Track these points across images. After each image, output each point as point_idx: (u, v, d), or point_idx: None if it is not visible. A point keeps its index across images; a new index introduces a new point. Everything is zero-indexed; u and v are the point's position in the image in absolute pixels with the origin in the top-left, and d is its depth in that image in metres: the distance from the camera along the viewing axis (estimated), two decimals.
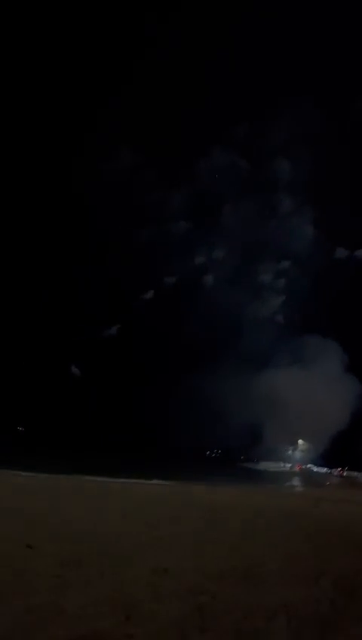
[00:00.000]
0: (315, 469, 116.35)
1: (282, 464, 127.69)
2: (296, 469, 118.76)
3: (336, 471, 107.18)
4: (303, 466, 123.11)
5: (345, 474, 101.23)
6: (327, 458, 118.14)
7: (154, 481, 26.43)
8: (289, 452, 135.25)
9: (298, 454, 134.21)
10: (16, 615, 4.19)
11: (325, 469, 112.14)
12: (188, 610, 4.71)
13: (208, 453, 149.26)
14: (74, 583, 5.22)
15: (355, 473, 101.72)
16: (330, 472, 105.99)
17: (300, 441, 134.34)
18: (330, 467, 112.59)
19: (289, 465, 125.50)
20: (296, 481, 62.81)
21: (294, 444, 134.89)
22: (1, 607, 4.36)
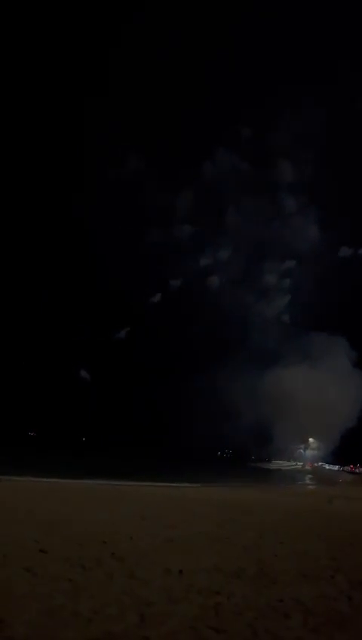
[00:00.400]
0: (327, 466, 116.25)
1: (294, 463, 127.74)
2: (308, 467, 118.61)
3: (348, 468, 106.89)
4: (315, 464, 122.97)
5: (357, 471, 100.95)
6: (339, 455, 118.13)
7: (167, 484, 26.41)
8: (301, 451, 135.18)
9: (309, 453, 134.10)
10: (34, 618, 4.19)
11: (337, 467, 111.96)
12: (203, 611, 4.67)
13: (219, 453, 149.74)
14: (87, 586, 5.21)
15: None
16: (342, 470, 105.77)
17: (311, 440, 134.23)
18: (342, 464, 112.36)
19: (301, 463, 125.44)
20: (308, 480, 62.61)
21: (305, 442, 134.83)
22: (20, 610, 4.36)
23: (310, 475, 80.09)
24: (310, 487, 45.11)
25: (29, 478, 23.02)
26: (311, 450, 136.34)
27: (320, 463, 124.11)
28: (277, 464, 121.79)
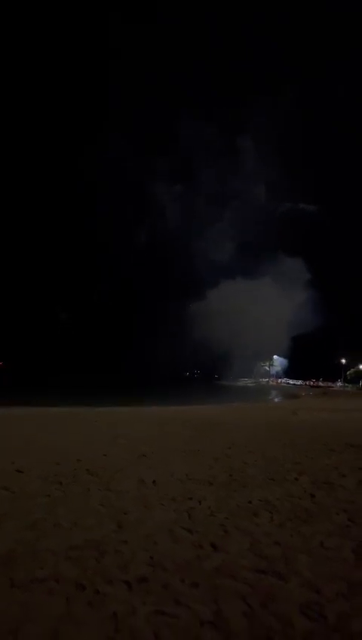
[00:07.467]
0: (291, 381, 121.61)
1: (259, 380, 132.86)
2: (272, 383, 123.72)
3: (310, 382, 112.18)
4: (279, 380, 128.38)
5: (318, 384, 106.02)
6: (300, 370, 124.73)
7: (139, 405, 27.10)
8: (266, 368, 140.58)
9: (273, 369, 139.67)
10: (16, 532, 4.36)
11: (299, 382, 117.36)
12: (177, 515, 4.95)
13: (188, 374, 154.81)
14: (65, 500, 5.40)
15: (327, 383, 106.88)
16: (305, 384, 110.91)
17: (275, 357, 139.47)
18: (304, 379, 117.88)
19: (266, 380, 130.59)
20: (273, 395, 65.35)
21: (269, 359, 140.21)
22: (2, 525, 4.52)
23: (275, 391, 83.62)
24: (275, 401, 47.24)
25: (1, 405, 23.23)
26: (275, 366, 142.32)
27: (283, 379, 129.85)
28: (243, 381, 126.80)
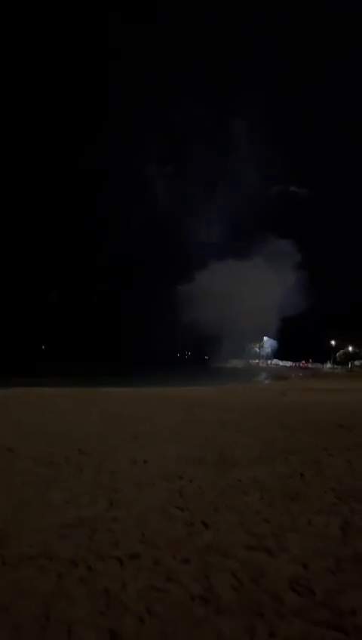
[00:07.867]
0: (281, 363, 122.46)
1: (250, 361, 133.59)
2: (262, 364, 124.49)
3: (300, 364, 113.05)
4: (269, 362, 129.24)
5: (308, 366, 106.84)
6: (290, 352, 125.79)
7: (131, 387, 27.17)
8: (256, 349, 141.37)
9: (263, 350, 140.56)
10: (9, 509, 4.40)
11: (290, 363, 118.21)
12: (169, 494, 5.00)
13: (178, 355, 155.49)
14: (56, 479, 5.44)
15: (317, 365, 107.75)
16: (295, 365, 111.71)
17: (265, 338, 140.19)
18: (294, 361, 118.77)
19: (256, 361, 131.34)
20: (263, 376, 65.79)
21: (259, 341, 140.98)
22: None
23: (264, 372, 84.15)
24: (265, 382, 47.58)
25: None
26: (265, 348, 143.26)
27: (274, 360, 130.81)
28: (233, 363, 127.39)
